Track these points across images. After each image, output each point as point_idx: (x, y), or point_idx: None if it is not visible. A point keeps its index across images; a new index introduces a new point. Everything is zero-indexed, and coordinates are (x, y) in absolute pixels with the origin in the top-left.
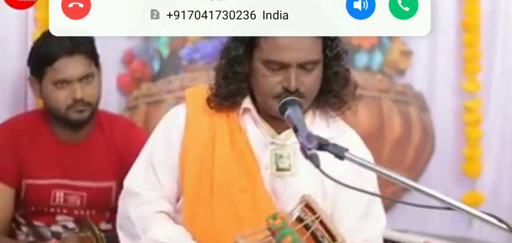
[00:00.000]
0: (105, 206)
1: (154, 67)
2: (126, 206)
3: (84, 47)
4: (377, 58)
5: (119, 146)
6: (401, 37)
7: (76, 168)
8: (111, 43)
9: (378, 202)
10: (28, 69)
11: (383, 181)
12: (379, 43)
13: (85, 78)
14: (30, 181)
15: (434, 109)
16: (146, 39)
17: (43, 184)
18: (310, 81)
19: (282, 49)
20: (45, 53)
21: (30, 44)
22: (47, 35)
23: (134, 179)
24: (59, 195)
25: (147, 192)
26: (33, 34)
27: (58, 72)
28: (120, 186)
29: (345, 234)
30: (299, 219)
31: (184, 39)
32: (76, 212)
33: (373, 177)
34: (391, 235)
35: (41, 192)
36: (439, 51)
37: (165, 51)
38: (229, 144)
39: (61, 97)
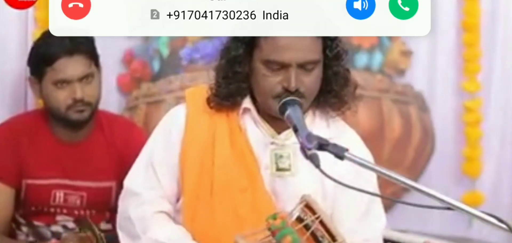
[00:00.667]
0: (105, 206)
1: (154, 67)
2: (126, 206)
3: (84, 47)
4: (377, 58)
5: (119, 146)
6: (401, 37)
7: (76, 168)
8: (111, 43)
9: (378, 202)
10: (28, 69)
11: (383, 181)
12: (379, 43)
13: (85, 78)
14: (30, 181)
15: (434, 109)
16: (146, 39)
17: (43, 184)
18: (310, 81)
19: (282, 49)
20: (45, 53)
21: (30, 44)
22: (47, 35)
23: (134, 179)
24: (59, 195)
25: (147, 192)
26: (33, 34)
27: (58, 72)
28: (120, 186)
29: (345, 234)
30: (299, 219)
31: (184, 39)
32: (76, 212)
33: (373, 177)
34: (391, 235)
35: (41, 192)
36: (439, 51)
37: (165, 51)
38: (229, 144)
39: (61, 97)
